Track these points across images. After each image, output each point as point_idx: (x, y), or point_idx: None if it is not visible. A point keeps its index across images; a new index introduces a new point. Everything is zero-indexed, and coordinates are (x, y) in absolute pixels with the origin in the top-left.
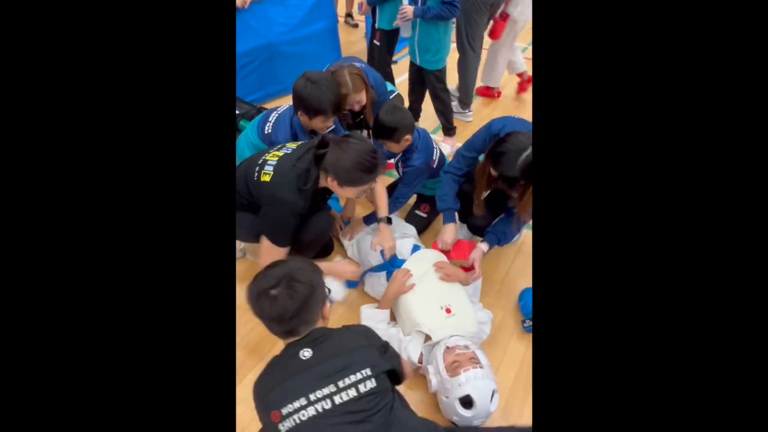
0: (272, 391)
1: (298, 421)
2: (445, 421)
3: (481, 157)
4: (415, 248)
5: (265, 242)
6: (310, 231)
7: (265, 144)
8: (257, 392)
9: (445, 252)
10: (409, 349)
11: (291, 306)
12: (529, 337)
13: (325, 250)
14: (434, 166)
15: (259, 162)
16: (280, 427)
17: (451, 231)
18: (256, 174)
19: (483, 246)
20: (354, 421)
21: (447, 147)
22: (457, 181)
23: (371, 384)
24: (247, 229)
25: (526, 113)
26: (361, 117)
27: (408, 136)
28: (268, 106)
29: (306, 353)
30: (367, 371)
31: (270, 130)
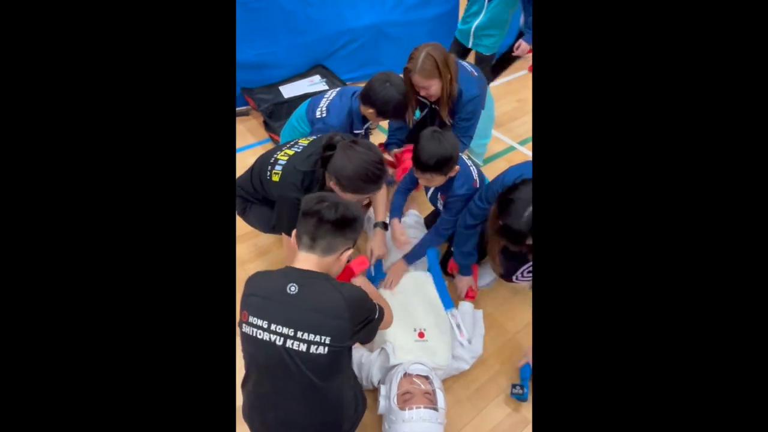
0: (252, 296)
1: (252, 334)
2: None
3: None
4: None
5: (286, 239)
6: None
7: (314, 127)
8: (248, 286)
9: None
10: (372, 371)
11: (342, 214)
12: (513, 404)
13: None
14: (477, 186)
15: (271, 160)
16: (243, 326)
17: (465, 284)
18: (268, 172)
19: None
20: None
21: None
22: (472, 235)
23: (322, 351)
24: (262, 221)
25: None
26: (433, 107)
27: (457, 166)
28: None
29: (293, 288)
30: (326, 339)
31: (323, 114)
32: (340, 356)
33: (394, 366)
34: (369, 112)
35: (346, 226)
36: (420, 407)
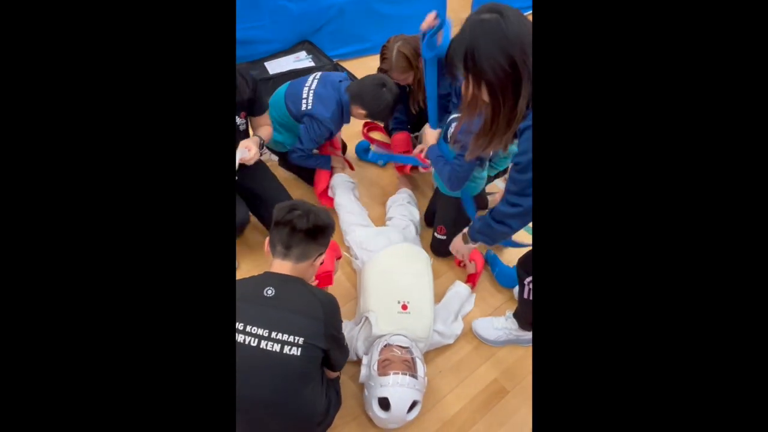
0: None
1: None
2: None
3: None
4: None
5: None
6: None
7: (303, 125)
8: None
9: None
10: (358, 343)
11: (314, 222)
12: (493, 375)
13: None
14: None
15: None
16: None
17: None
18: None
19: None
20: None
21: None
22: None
23: (296, 352)
24: None
25: None
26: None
27: None
28: (348, 64)
29: (269, 291)
30: (300, 340)
31: (309, 107)
32: (312, 364)
33: (377, 338)
34: (359, 112)
35: (318, 233)
36: (398, 373)
